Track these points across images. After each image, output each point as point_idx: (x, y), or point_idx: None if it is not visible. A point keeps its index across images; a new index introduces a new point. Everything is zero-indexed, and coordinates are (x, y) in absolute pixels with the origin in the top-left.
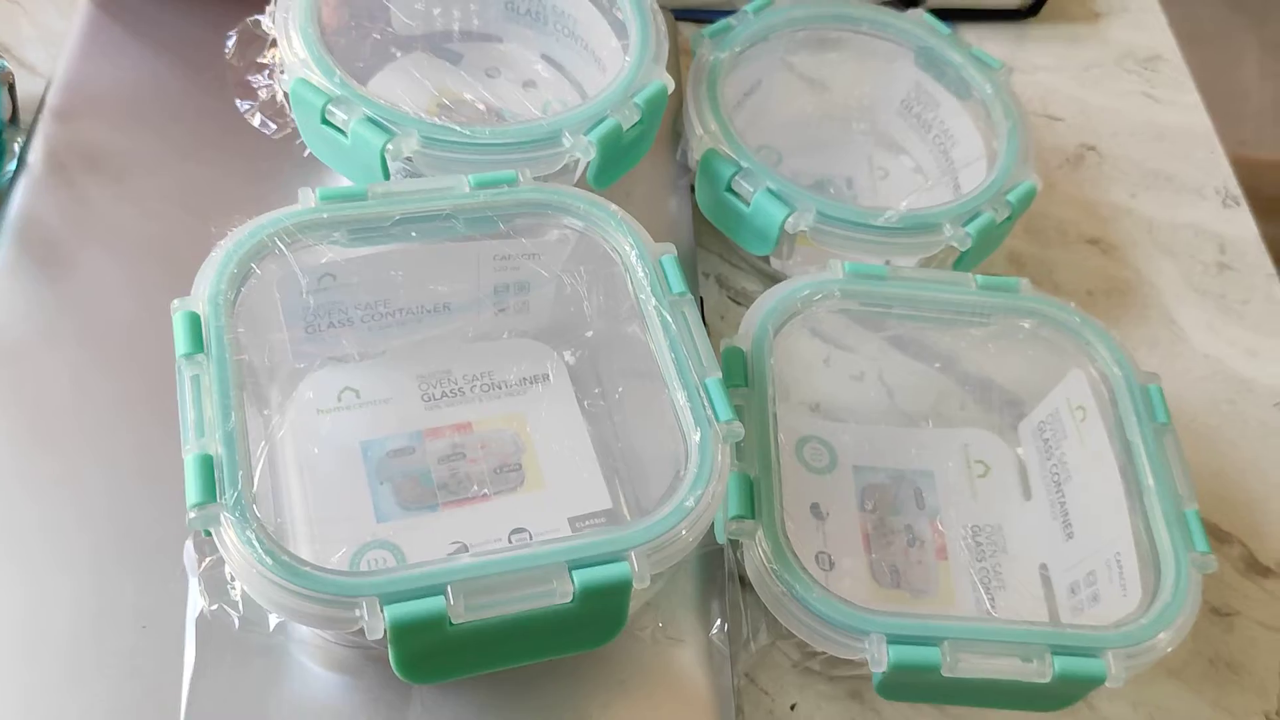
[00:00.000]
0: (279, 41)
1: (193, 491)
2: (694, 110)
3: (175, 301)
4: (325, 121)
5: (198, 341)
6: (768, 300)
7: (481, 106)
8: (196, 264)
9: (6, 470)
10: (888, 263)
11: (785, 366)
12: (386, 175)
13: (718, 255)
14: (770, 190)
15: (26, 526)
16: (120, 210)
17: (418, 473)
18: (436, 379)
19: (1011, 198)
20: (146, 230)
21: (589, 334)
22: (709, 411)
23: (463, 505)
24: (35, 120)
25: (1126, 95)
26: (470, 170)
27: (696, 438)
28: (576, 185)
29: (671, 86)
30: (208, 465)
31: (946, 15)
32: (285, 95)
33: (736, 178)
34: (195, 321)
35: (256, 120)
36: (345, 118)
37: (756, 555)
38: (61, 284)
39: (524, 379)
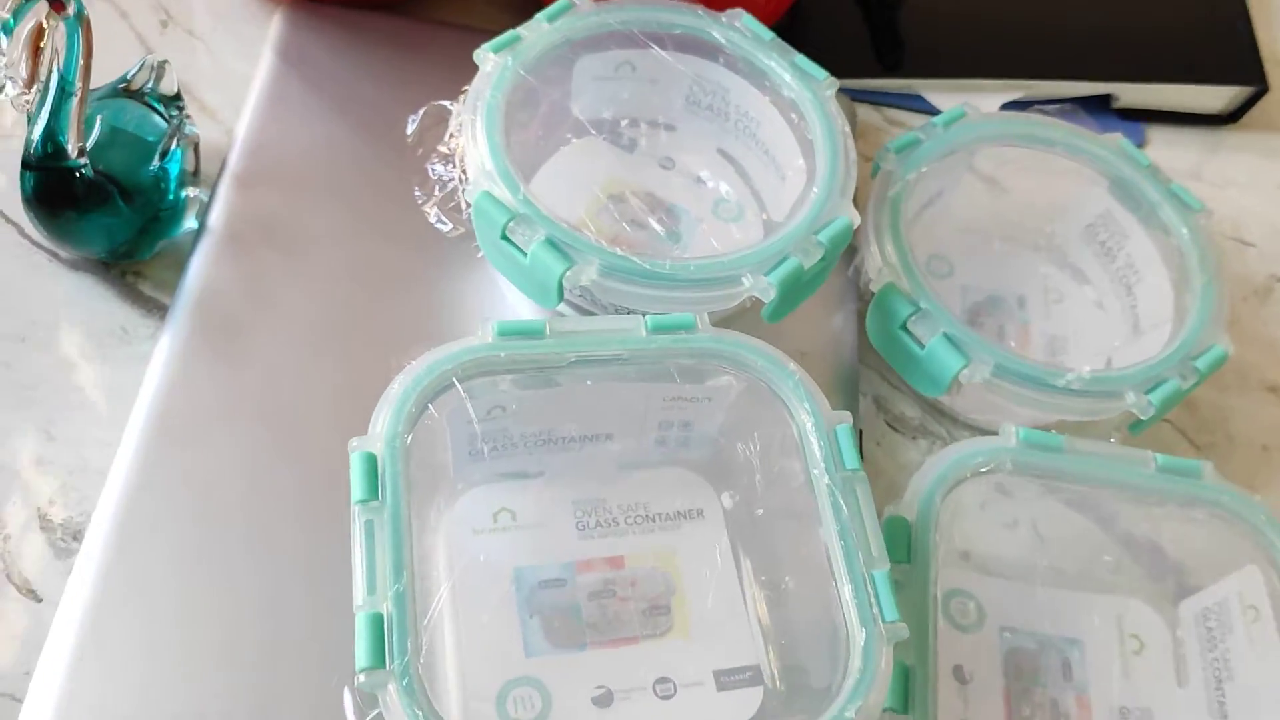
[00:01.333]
0: (465, 142)
1: (362, 654)
2: (874, 234)
3: (353, 441)
4: (505, 238)
5: (373, 487)
6: (936, 466)
7: (647, 200)
8: (369, 355)
9: (168, 553)
10: (1052, 428)
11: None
12: (560, 298)
13: (877, 373)
14: (947, 337)
15: (189, 613)
16: (295, 286)
17: (568, 608)
18: (591, 506)
19: (1200, 364)
20: (321, 309)
21: (749, 479)
22: (875, 609)
23: (610, 647)
24: (217, 181)
25: None
26: (647, 303)
27: (861, 639)
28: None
29: (857, 222)
30: (378, 627)
31: (1138, 116)
32: (466, 202)
33: (913, 318)
34: (372, 465)
35: (432, 216)
36: (527, 238)
37: None
38: (237, 361)
39: (679, 513)
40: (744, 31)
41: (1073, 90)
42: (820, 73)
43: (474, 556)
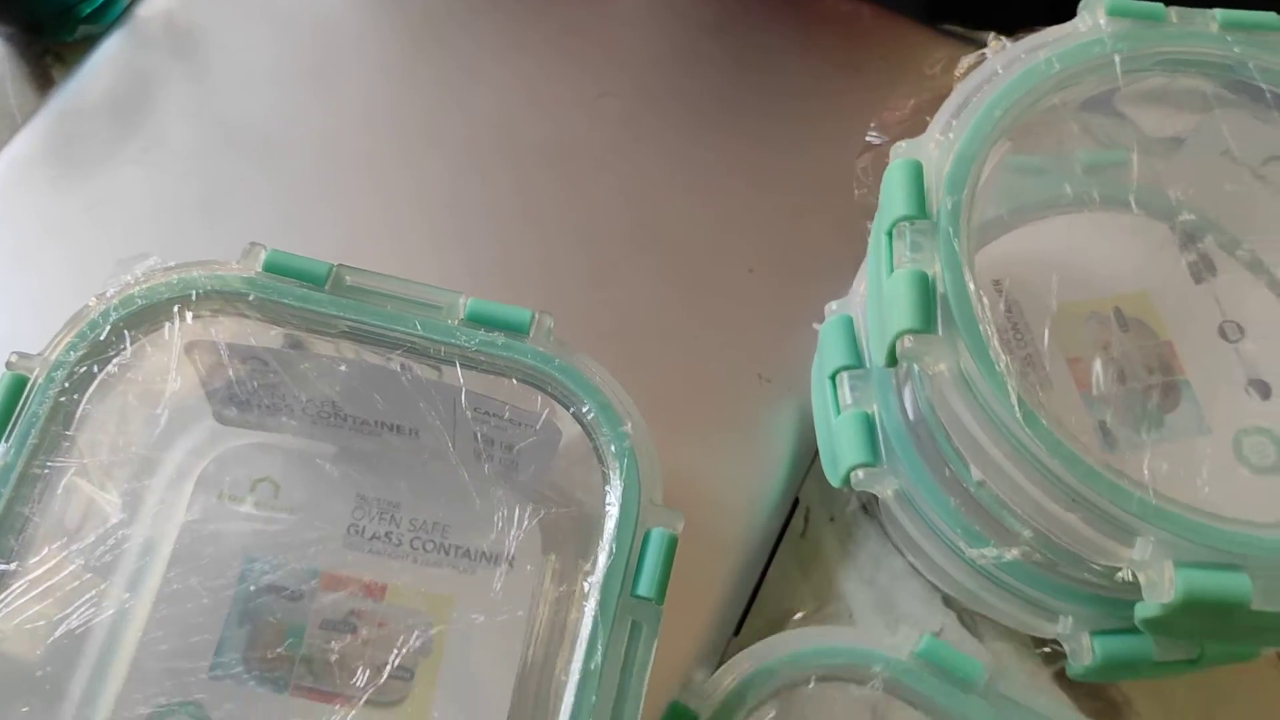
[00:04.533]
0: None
1: None
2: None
3: (11, 355)
4: (888, 234)
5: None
6: (761, 655)
7: (1154, 354)
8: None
9: None
10: None
11: None
12: (892, 362)
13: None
14: (866, 418)
15: None
16: (189, 120)
17: (288, 629)
18: (378, 510)
19: None
20: (206, 153)
21: (575, 547)
22: None
23: (315, 699)
24: None
25: None
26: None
27: None
28: None
29: None
30: None
31: None
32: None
33: (847, 372)
34: (15, 391)
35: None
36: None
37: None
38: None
39: (481, 553)
40: None
41: None
42: None
43: (206, 525)
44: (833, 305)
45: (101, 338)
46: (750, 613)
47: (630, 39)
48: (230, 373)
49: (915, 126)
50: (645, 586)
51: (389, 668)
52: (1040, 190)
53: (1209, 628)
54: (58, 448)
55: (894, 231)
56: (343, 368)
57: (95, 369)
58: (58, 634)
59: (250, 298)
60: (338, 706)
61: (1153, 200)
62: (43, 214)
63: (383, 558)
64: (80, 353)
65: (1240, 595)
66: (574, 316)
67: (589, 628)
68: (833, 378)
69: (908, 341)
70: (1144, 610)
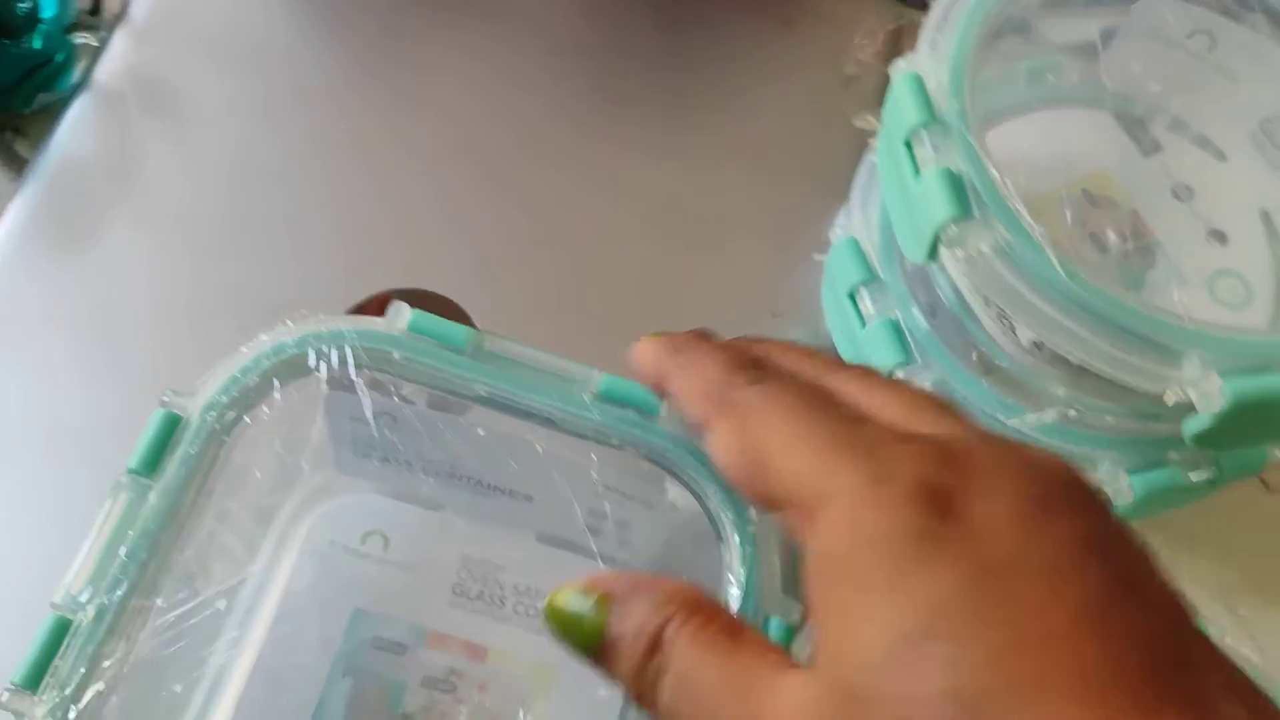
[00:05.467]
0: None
1: (23, 663)
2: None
3: (166, 393)
4: (907, 144)
5: (156, 460)
6: None
7: (1128, 220)
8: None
9: None
10: None
11: None
12: (933, 255)
13: None
14: (894, 324)
15: None
16: (176, 168)
17: (392, 686)
18: (482, 570)
19: None
20: (201, 201)
21: None
22: None
23: None
24: (114, 27)
25: None
26: (1033, 319)
27: None
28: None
29: None
30: (58, 636)
31: None
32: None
33: (864, 288)
34: (168, 431)
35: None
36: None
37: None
38: (84, 247)
39: None
40: None
41: None
42: None
43: (315, 573)
44: (836, 231)
45: (252, 384)
46: None
47: (578, 23)
48: (368, 417)
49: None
50: None
51: None
52: (992, 100)
53: (1248, 431)
54: (203, 489)
55: (912, 140)
56: (481, 431)
57: (245, 416)
58: (192, 671)
59: (395, 355)
60: None
61: (1093, 93)
62: (50, 287)
63: (484, 619)
64: (232, 396)
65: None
66: (587, 298)
67: None
68: (851, 296)
69: (952, 230)
70: (1196, 424)
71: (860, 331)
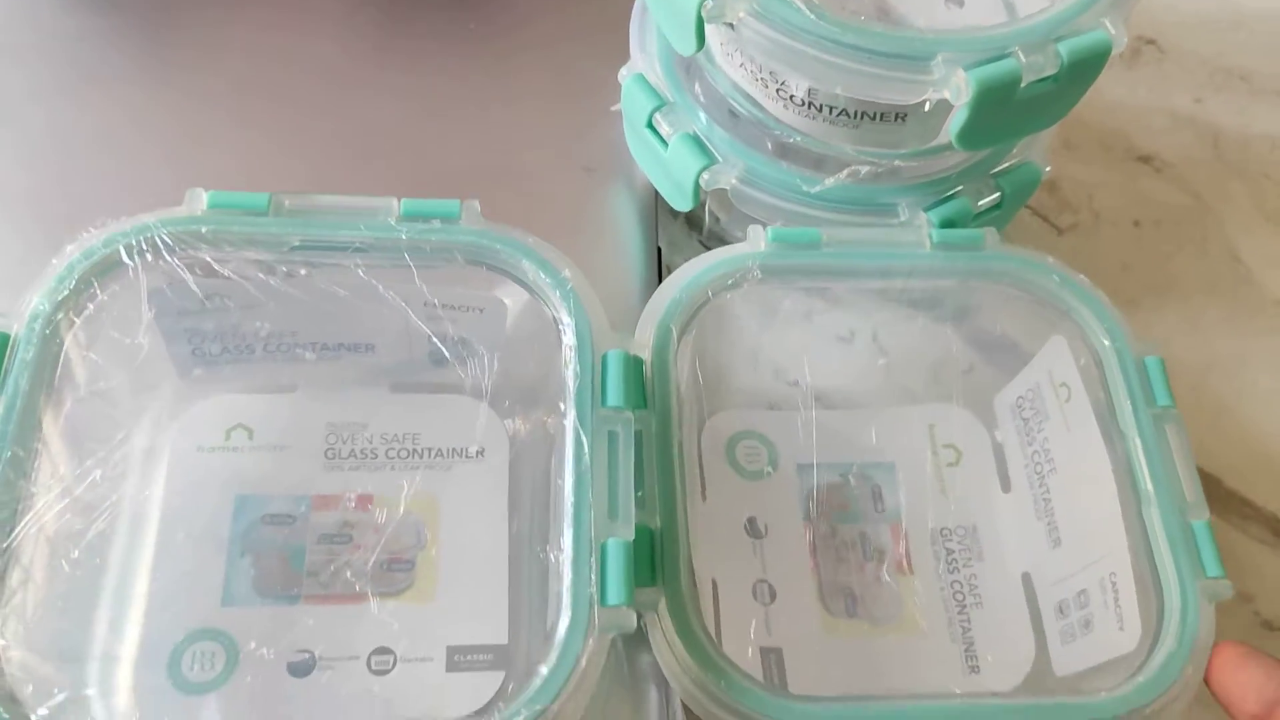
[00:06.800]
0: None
1: None
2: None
3: None
4: (650, 126)
5: None
6: (667, 292)
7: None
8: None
9: None
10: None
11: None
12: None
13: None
14: (693, 137)
15: None
16: None
17: (290, 551)
18: (349, 432)
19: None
20: None
21: (544, 416)
22: (594, 588)
23: (328, 603)
24: None
25: None
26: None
27: (566, 622)
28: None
29: (1120, 47)
30: None
31: None
32: None
33: (659, 113)
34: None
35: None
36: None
37: (660, 638)
38: None
39: (453, 450)
40: None
41: None
42: None
43: (189, 477)
44: (623, 72)
45: (70, 289)
46: None
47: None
48: (200, 297)
49: None
50: (613, 398)
51: (391, 563)
52: None
53: (1002, 121)
54: (51, 388)
55: None
56: (312, 279)
57: (74, 317)
58: (89, 537)
59: (203, 230)
60: (350, 604)
61: None
62: None
63: (362, 473)
64: (55, 302)
65: (1014, 73)
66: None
67: (572, 441)
68: (650, 125)
69: (710, 4)
70: (956, 122)
71: (664, 153)
